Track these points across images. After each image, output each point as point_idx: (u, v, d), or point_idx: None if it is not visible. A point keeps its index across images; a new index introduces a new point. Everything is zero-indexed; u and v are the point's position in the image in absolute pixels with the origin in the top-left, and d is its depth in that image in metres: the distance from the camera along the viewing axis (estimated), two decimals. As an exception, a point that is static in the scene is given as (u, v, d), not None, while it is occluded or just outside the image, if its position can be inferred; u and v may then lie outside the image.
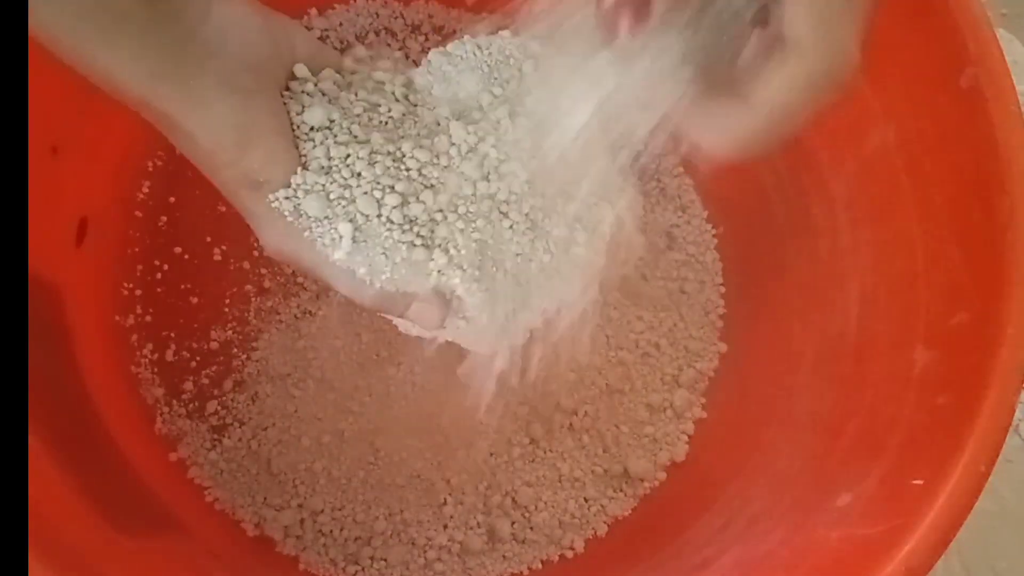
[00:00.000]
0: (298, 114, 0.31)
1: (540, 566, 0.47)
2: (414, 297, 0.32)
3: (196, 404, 0.47)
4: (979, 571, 0.53)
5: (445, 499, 0.47)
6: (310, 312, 0.49)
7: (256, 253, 0.50)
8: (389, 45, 0.55)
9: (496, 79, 0.33)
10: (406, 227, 0.31)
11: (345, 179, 0.31)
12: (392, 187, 0.31)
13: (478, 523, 0.47)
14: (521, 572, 0.46)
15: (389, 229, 0.31)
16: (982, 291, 0.35)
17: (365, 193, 0.30)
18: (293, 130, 0.31)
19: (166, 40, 0.27)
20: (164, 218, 0.50)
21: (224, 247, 0.50)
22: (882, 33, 0.41)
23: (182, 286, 0.49)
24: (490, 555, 0.46)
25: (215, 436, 0.46)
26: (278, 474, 0.46)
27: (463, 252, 0.31)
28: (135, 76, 0.27)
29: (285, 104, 0.31)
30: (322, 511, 0.45)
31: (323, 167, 0.31)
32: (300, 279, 0.49)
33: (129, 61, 0.27)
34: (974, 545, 0.53)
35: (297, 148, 0.31)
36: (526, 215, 0.32)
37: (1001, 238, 0.35)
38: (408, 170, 0.31)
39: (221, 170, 0.30)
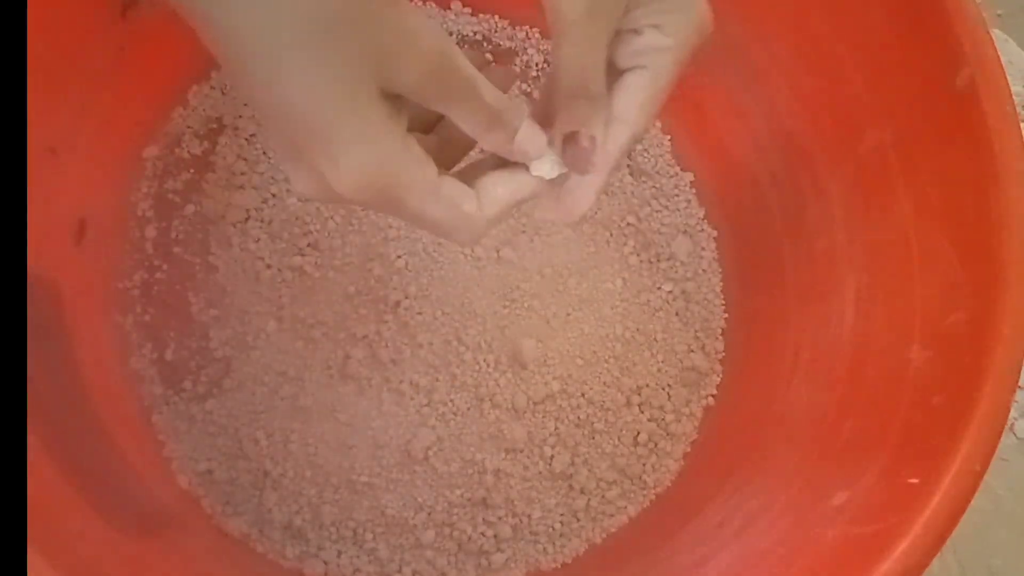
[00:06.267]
0: None
1: (538, 567, 0.47)
2: None
3: (195, 403, 0.47)
4: (974, 568, 0.53)
5: (444, 500, 0.47)
6: (310, 311, 0.49)
7: (254, 251, 0.50)
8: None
9: None
10: None
11: None
12: None
13: (477, 524, 0.47)
14: (520, 573, 0.47)
15: None
16: (977, 291, 0.35)
17: None
18: None
19: None
20: (163, 218, 0.50)
21: (222, 247, 0.50)
22: (878, 34, 0.41)
23: (181, 286, 0.49)
24: (488, 556, 0.46)
25: (214, 436, 0.46)
26: (277, 474, 0.46)
27: None
28: None
29: None
30: (321, 510, 0.46)
31: None
32: (299, 279, 0.49)
33: None
34: (970, 542, 0.53)
35: None
36: None
37: (996, 238, 0.35)
38: None
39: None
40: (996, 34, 0.68)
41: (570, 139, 0.30)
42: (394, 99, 0.27)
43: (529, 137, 0.30)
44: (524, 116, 0.30)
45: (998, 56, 0.37)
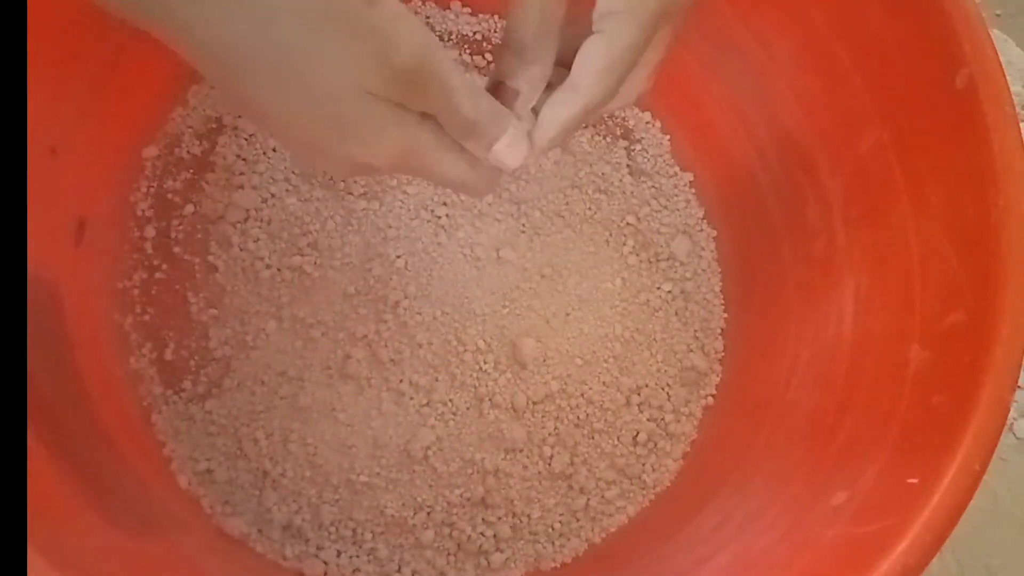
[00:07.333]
0: None
1: (538, 567, 0.47)
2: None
3: (195, 403, 0.47)
4: (973, 568, 0.53)
5: (444, 500, 0.47)
6: (310, 311, 0.49)
7: (253, 251, 0.50)
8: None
9: None
10: None
11: None
12: None
13: (476, 524, 0.47)
14: (519, 573, 0.47)
15: None
16: (976, 290, 0.35)
17: None
18: None
19: None
20: (163, 218, 0.50)
21: (222, 247, 0.50)
22: (878, 33, 0.41)
23: (180, 285, 0.49)
24: (488, 556, 0.46)
25: (213, 435, 0.46)
26: (276, 474, 0.46)
27: None
28: None
29: None
30: (320, 510, 0.46)
31: None
32: (298, 279, 0.49)
33: None
34: (968, 542, 0.53)
35: None
36: None
37: (995, 238, 0.35)
38: None
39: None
40: (995, 34, 0.68)
41: (496, 89, 0.31)
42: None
43: (509, 150, 0.31)
44: (505, 129, 0.30)
45: (997, 56, 0.37)
